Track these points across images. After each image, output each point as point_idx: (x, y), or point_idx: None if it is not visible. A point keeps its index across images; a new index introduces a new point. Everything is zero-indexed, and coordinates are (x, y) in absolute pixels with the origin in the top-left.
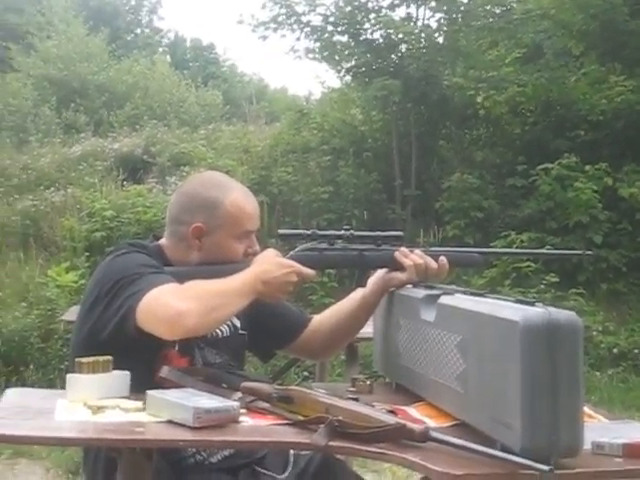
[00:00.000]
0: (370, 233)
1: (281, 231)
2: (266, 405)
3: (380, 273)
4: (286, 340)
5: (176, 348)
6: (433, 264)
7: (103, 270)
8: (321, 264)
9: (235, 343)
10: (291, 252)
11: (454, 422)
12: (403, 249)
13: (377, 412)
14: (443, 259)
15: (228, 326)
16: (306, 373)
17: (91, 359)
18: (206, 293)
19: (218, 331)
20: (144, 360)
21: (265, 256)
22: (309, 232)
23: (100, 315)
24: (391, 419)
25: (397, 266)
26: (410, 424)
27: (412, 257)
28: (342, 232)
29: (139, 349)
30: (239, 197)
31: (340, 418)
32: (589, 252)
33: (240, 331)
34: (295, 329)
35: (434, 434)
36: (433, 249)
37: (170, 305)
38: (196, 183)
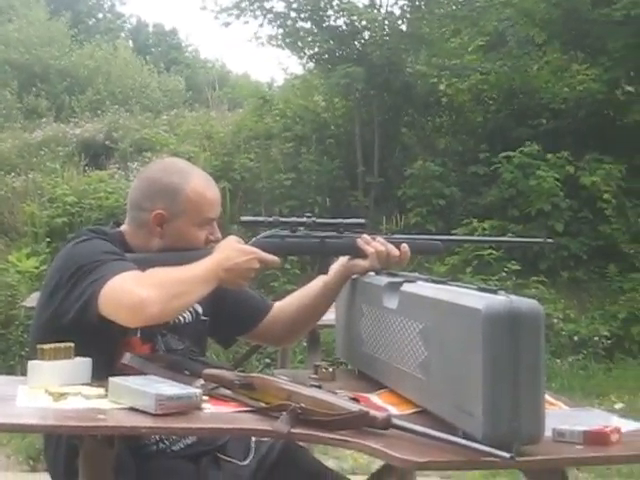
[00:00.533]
0: (332, 220)
1: (243, 218)
2: (228, 392)
3: (342, 260)
4: (247, 326)
5: (138, 335)
6: (395, 251)
7: (64, 256)
8: (283, 251)
9: (197, 329)
10: (253, 239)
11: (416, 409)
12: (365, 236)
13: (340, 399)
14: (405, 246)
15: (190, 312)
16: (268, 360)
17: (52, 345)
18: (168, 280)
19: (180, 317)
20: (106, 347)
21: (227, 243)
22: (271, 219)
23: (61, 302)
24: (354, 406)
25: (359, 253)
26: (373, 411)
27: (374, 244)
28: (304, 219)
29: (101, 336)
30: (200, 184)
31: (302, 405)
32: (550, 240)
33: (202, 317)
34: (256, 316)
35: (396, 421)
36: (395, 236)
37: (132, 292)
38: (157, 169)
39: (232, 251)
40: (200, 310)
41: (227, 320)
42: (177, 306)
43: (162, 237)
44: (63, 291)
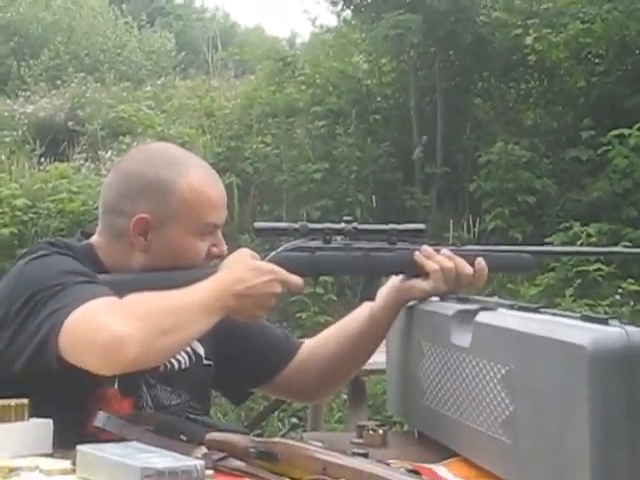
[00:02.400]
0: (380, 227)
1: (257, 224)
2: (241, 464)
3: (395, 281)
4: (266, 375)
5: (115, 386)
6: (467, 269)
7: (14, 280)
8: (313, 269)
9: (197, 378)
10: (272, 253)
11: None
12: (426, 248)
13: (394, 472)
14: (480, 261)
15: (188, 354)
16: (295, 419)
17: (3, 402)
18: (155, 310)
19: (174, 361)
20: (72, 403)
21: (237, 259)
22: (296, 225)
23: (9, 343)
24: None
25: (418, 271)
26: None
27: (438, 259)
28: (342, 225)
29: (64, 387)
30: (199, 178)
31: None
32: None
33: (204, 361)
34: (279, 360)
35: None
36: (467, 248)
37: (104, 327)
38: (139, 159)
39: (245, 271)
40: (202, 352)
41: (239, 366)
42: (167, 346)
43: (146, 250)
44: (11, 328)
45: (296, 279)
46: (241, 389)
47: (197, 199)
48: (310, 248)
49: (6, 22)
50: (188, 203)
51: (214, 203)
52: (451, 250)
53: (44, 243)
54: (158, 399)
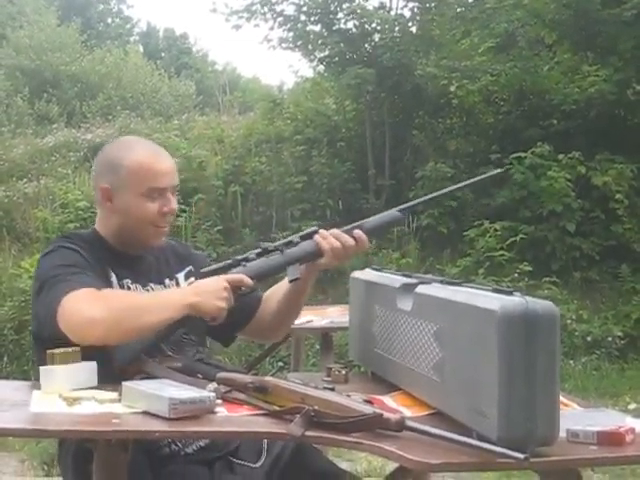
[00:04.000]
0: (288, 239)
1: (203, 271)
2: (242, 395)
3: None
4: (243, 321)
5: None
6: (350, 241)
7: (35, 271)
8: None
9: (200, 328)
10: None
11: (431, 411)
12: (322, 231)
13: (353, 402)
14: (358, 232)
15: None
16: (281, 363)
17: (62, 350)
18: (120, 303)
19: None
20: (94, 354)
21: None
22: (230, 261)
23: (35, 316)
24: (367, 408)
25: (318, 253)
26: (386, 413)
27: (329, 240)
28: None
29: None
30: (142, 154)
31: (316, 408)
32: (500, 170)
33: None
34: (250, 309)
35: (410, 423)
36: (351, 225)
37: (81, 312)
38: (107, 147)
39: (199, 281)
40: None
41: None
42: (125, 330)
43: (115, 212)
44: (35, 305)
45: (239, 276)
46: (228, 334)
47: (139, 169)
48: (241, 261)
49: (73, 73)
50: (133, 172)
51: (156, 171)
52: (341, 230)
53: (58, 237)
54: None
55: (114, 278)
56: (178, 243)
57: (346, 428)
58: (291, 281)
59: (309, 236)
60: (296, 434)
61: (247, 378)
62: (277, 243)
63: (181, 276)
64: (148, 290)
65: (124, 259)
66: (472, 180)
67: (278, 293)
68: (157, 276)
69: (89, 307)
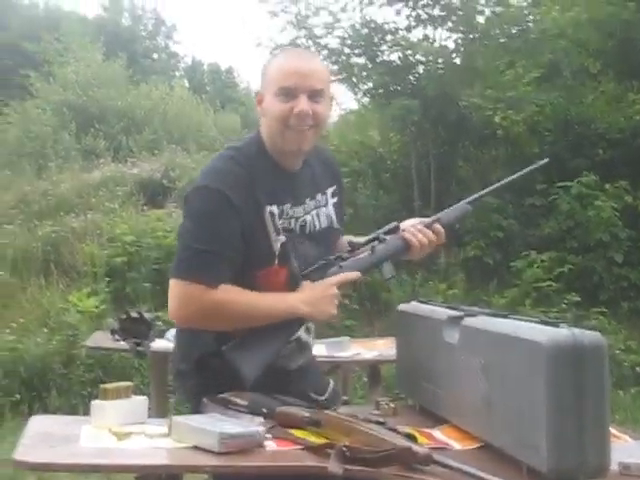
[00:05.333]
0: (373, 235)
1: (303, 273)
2: (287, 431)
3: None
4: None
5: (275, 263)
6: (433, 237)
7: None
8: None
9: (330, 236)
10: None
11: (479, 444)
12: (405, 226)
13: (394, 436)
14: (437, 226)
15: (327, 217)
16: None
17: (114, 385)
18: (231, 316)
19: (317, 223)
20: (246, 281)
21: (305, 286)
22: (324, 261)
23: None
24: (400, 442)
25: (408, 248)
26: (415, 447)
27: (418, 237)
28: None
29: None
30: (284, 57)
31: (347, 444)
32: (546, 160)
33: (335, 226)
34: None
35: (437, 457)
36: (429, 220)
37: (195, 313)
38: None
39: (308, 287)
40: (334, 217)
41: None
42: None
43: (263, 115)
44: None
45: (344, 275)
46: None
47: (274, 70)
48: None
49: (119, 108)
50: (270, 74)
51: (286, 71)
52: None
53: (219, 156)
54: (306, 251)
55: (271, 210)
56: (325, 150)
57: (378, 462)
58: (388, 279)
59: (392, 231)
60: (337, 472)
61: (304, 412)
62: (365, 239)
63: (329, 192)
64: (304, 207)
65: (281, 175)
66: (520, 173)
67: None
68: (311, 190)
69: (202, 315)
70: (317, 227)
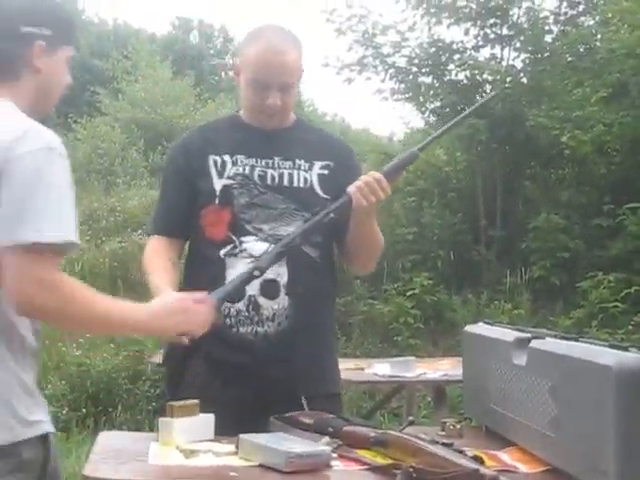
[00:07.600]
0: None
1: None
2: (352, 450)
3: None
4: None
5: (216, 202)
6: (375, 186)
7: None
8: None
9: (310, 200)
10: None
11: (546, 467)
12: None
13: (460, 457)
14: (374, 173)
15: (304, 180)
16: (391, 415)
17: (181, 403)
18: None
19: (286, 180)
20: (192, 219)
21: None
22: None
23: None
24: (467, 464)
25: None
26: (483, 469)
27: (362, 191)
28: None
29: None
30: (260, 46)
31: (413, 464)
32: (493, 93)
33: (320, 194)
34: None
35: None
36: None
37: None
38: (252, 28)
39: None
40: (318, 188)
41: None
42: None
43: (239, 88)
44: None
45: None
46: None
47: (251, 58)
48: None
49: (186, 125)
50: (247, 58)
51: (260, 64)
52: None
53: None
54: (265, 206)
55: (215, 158)
56: (334, 137)
57: None
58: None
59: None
60: None
61: (370, 432)
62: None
63: (318, 164)
64: (269, 162)
65: (246, 131)
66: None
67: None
68: (289, 153)
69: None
70: (285, 183)
